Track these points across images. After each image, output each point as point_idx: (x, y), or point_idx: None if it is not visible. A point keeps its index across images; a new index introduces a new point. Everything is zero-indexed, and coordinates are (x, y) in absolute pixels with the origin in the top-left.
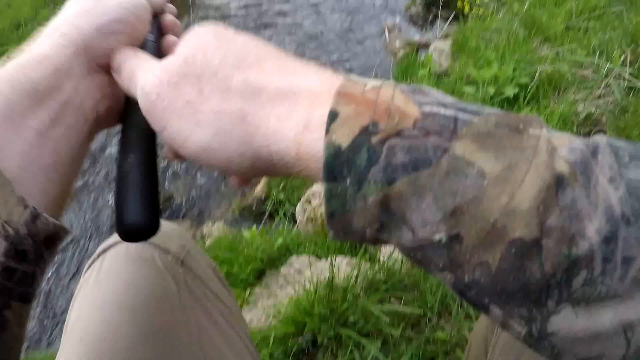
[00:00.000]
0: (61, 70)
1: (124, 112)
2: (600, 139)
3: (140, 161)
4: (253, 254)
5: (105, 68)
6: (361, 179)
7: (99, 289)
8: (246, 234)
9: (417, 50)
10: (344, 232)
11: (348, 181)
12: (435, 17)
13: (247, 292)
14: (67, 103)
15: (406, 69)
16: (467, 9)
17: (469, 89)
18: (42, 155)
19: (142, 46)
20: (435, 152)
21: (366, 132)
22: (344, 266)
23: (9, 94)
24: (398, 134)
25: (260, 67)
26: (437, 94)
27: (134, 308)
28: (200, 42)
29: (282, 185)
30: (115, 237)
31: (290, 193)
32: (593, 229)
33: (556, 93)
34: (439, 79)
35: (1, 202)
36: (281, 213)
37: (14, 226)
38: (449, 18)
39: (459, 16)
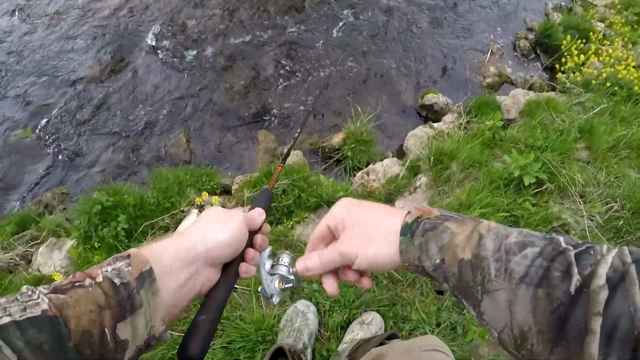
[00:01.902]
0: (194, 257)
1: (209, 292)
2: (514, 228)
3: (208, 320)
4: (319, 192)
5: (214, 266)
6: (413, 234)
7: None
8: (322, 178)
9: (502, 84)
10: (407, 261)
11: (408, 235)
12: (537, 58)
13: (304, 214)
14: (191, 277)
15: (480, 106)
16: (559, 75)
17: (507, 159)
18: (176, 298)
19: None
20: (439, 224)
21: (418, 218)
22: None
23: (174, 260)
24: (428, 218)
25: (377, 208)
26: (452, 212)
27: None
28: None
29: (353, 145)
30: None
31: (356, 154)
32: (491, 255)
33: (558, 197)
34: (496, 135)
35: (154, 316)
36: (345, 165)
37: (154, 331)
38: (547, 65)
39: (555, 68)
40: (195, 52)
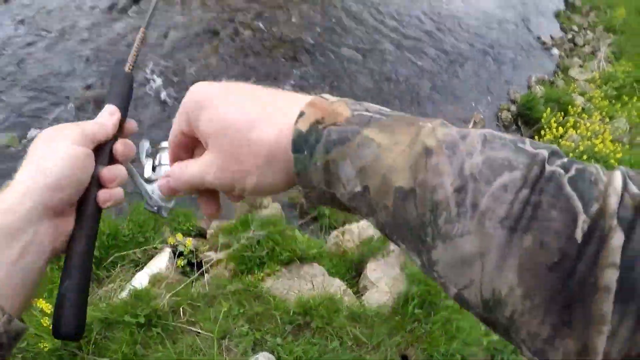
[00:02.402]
0: (22, 219)
1: (68, 245)
2: (475, 131)
3: (73, 287)
4: (294, 247)
5: (59, 213)
6: (312, 151)
7: None
8: (298, 234)
9: None
10: (308, 187)
11: (305, 152)
12: (518, 129)
13: (277, 267)
14: (28, 245)
15: None
16: None
17: None
18: (14, 278)
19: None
20: (353, 134)
21: (317, 123)
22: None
23: None
24: (334, 124)
25: (256, 96)
26: (370, 105)
27: None
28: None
29: None
30: None
31: (334, 213)
32: (448, 182)
33: None
34: None
35: None
36: (322, 222)
37: None
38: (527, 137)
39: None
40: (184, 92)
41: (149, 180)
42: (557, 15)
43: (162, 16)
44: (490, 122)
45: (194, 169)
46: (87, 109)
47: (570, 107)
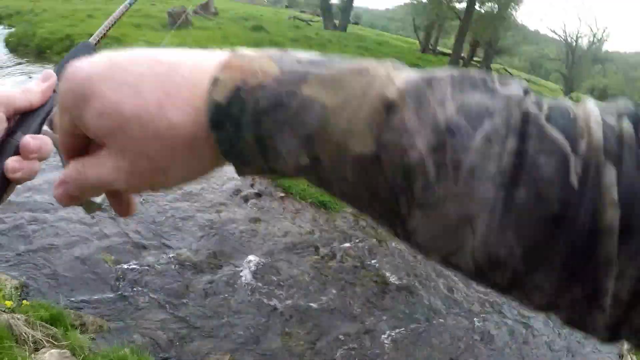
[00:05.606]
0: None
1: None
2: (441, 72)
3: None
4: None
5: None
6: (237, 125)
7: None
8: None
9: None
10: (242, 164)
11: (229, 128)
12: None
13: None
14: None
15: None
16: None
17: None
18: None
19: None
20: (289, 97)
21: (237, 90)
22: None
23: None
24: (261, 87)
25: (153, 67)
26: (300, 55)
27: None
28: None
29: None
30: None
31: None
32: (421, 141)
33: None
34: None
35: None
36: None
37: None
38: None
39: None
40: (273, 293)
41: None
42: None
43: (275, 219)
44: None
45: (98, 174)
46: (184, 271)
47: None
